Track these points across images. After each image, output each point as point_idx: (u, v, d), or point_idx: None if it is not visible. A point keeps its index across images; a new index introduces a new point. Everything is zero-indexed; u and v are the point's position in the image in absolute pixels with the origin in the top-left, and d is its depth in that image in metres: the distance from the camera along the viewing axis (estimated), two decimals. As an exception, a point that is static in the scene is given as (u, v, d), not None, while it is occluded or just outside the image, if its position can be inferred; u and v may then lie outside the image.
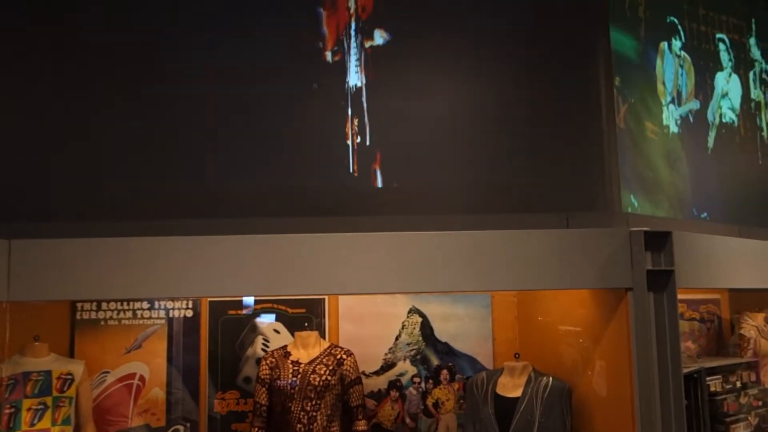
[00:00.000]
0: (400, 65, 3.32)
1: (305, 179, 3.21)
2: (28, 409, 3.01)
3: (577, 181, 3.21)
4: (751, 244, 3.42)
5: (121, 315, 3.51)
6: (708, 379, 3.29)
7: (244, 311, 3.58)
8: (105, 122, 3.21)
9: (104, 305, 3.49)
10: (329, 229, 2.69)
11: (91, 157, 3.20)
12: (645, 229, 2.69)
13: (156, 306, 3.53)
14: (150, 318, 3.53)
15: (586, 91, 3.31)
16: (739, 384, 3.49)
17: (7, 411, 2.95)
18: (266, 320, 3.59)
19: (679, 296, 2.67)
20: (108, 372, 3.46)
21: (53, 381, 3.09)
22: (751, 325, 4.15)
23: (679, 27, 4.11)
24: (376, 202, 3.19)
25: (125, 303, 3.51)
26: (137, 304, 3.52)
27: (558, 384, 3.02)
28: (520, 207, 3.18)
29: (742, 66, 4.52)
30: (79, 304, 3.48)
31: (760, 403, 3.56)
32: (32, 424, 3.00)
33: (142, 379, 3.49)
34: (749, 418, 3.44)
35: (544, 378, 3.05)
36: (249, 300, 3.59)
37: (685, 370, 2.97)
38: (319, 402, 3.11)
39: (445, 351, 3.66)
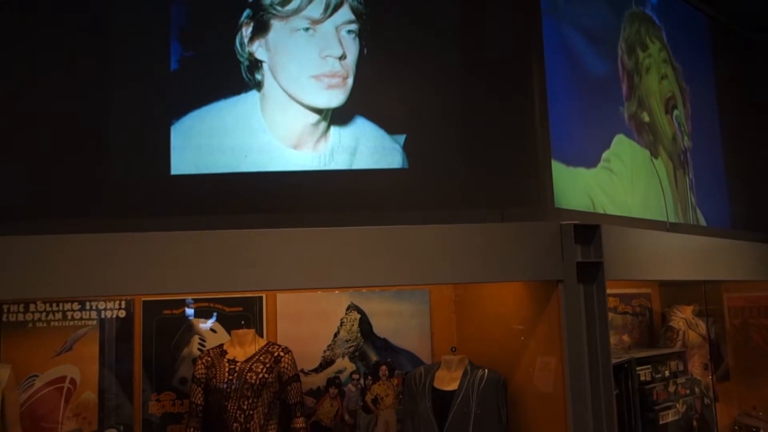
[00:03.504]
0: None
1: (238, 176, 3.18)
2: (-50, 415, 2.90)
3: (511, 176, 3.27)
4: (677, 239, 3.56)
5: (50, 317, 3.40)
6: (638, 368, 3.39)
7: (188, 317, 3.52)
8: (26, 116, 3.12)
9: (32, 307, 3.38)
10: (263, 226, 2.67)
11: (16, 150, 3.10)
12: (575, 222, 2.76)
13: (87, 307, 3.44)
14: (81, 319, 3.43)
15: (520, 87, 3.37)
16: (668, 373, 3.61)
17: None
18: (206, 326, 3.54)
19: (612, 291, 2.75)
20: (36, 375, 3.35)
21: (-23, 385, 2.98)
22: (680, 317, 4.31)
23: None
24: (313, 198, 3.18)
25: (54, 304, 3.40)
26: (67, 305, 3.42)
27: (493, 376, 3.07)
28: (455, 202, 3.22)
29: (670, 72, 4.67)
30: (5, 306, 3.36)
31: (688, 391, 3.68)
32: (-46, 431, 2.89)
33: (72, 382, 3.39)
34: (677, 405, 3.56)
35: (480, 370, 3.10)
36: (189, 310, 3.53)
37: (615, 360, 3.06)
38: (256, 400, 3.08)
39: (384, 347, 3.67)
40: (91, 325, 3.44)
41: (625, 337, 4.29)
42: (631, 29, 4.31)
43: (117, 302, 3.47)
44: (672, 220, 4.23)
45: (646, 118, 4.29)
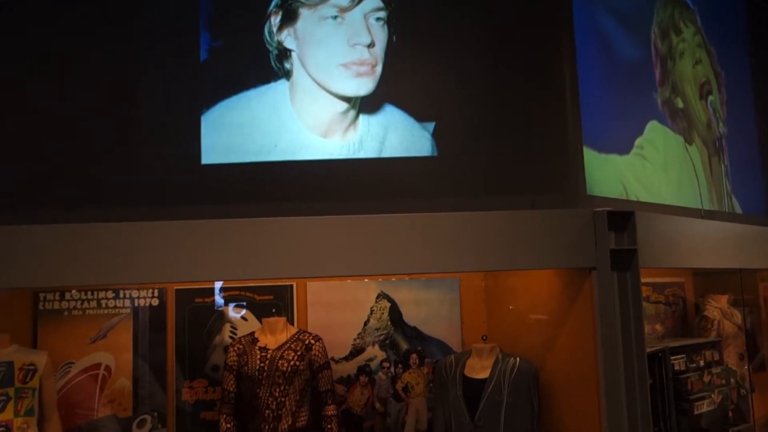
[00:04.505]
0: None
1: (268, 165, 3.19)
2: (-10, 401, 2.96)
3: (541, 163, 3.23)
4: (712, 226, 3.48)
5: (85, 305, 3.46)
6: (672, 358, 3.33)
7: (216, 308, 3.56)
8: (57, 106, 3.17)
9: (67, 295, 3.44)
10: (293, 214, 2.67)
11: (50, 144, 3.15)
12: (608, 209, 2.72)
13: (121, 295, 3.49)
14: (115, 307, 3.48)
15: (550, 72, 3.33)
16: (702, 363, 3.54)
17: (-31, 402, 2.90)
18: (237, 316, 3.57)
19: (645, 280, 2.70)
20: (72, 363, 3.41)
21: (15, 372, 3.04)
22: (715, 307, 4.23)
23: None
24: (342, 187, 3.18)
25: (89, 293, 3.46)
26: (101, 294, 3.47)
27: (525, 364, 3.05)
28: (484, 189, 3.19)
29: (705, 56, 4.57)
30: (41, 295, 3.42)
31: (724, 382, 3.62)
32: (-6, 415, 2.95)
33: (107, 369, 3.44)
34: (713, 395, 3.49)
35: (511, 359, 3.08)
36: (219, 300, 3.57)
37: (649, 350, 3.01)
38: (287, 387, 3.10)
39: (414, 335, 3.67)
40: (125, 314, 3.49)
41: (658, 327, 4.22)
42: (664, 13, 4.22)
43: (150, 291, 3.51)
44: (707, 207, 4.16)
45: (680, 104, 4.20)
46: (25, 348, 3.19)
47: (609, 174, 3.52)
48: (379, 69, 3.33)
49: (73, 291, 3.45)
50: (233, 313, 3.58)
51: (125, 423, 3.43)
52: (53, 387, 3.20)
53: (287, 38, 3.31)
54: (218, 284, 3.58)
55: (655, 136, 3.92)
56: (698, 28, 4.51)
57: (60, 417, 3.20)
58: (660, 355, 3.23)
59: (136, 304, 3.50)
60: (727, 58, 4.71)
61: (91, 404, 3.42)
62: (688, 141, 4.20)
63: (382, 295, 3.67)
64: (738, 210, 4.51)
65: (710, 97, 4.49)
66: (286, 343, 3.19)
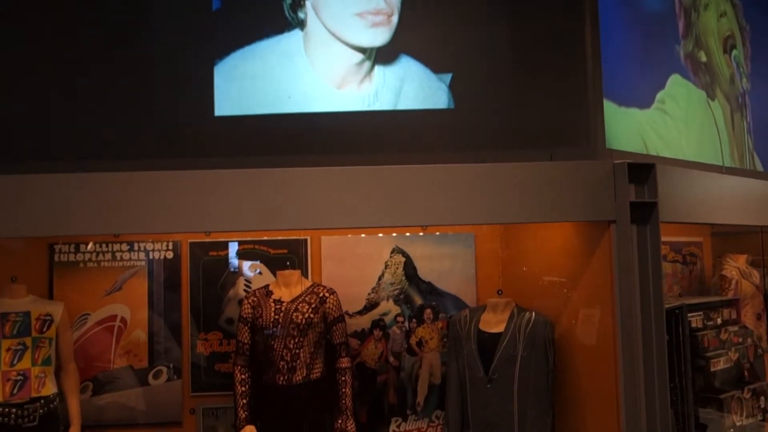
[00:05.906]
0: None
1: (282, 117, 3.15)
2: (8, 350, 2.99)
3: (560, 116, 3.17)
4: (734, 181, 3.42)
5: (100, 257, 3.47)
6: (689, 315, 3.30)
7: (233, 269, 3.56)
8: (77, 59, 3.12)
9: (82, 247, 3.44)
10: (307, 167, 2.64)
11: (64, 93, 3.11)
12: (629, 161, 2.66)
13: (135, 248, 3.49)
14: (130, 260, 3.49)
15: (571, 23, 3.24)
16: (720, 321, 3.52)
17: (-14, 351, 2.94)
18: (251, 274, 3.57)
19: (662, 238, 2.65)
20: (88, 314, 3.43)
21: (32, 322, 3.07)
22: (733, 266, 4.18)
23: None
24: (357, 139, 3.14)
25: (104, 245, 3.46)
26: (116, 246, 3.47)
27: (540, 319, 3.03)
28: (502, 142, 3.14)
29: (730, 9, 4.43)
30: (56, 246, 3.43)
31: (740, 340, 3.59)
32: (12, 365, 2.98)
33: (123, 321, 3.47)
34: (730, 353, 3.47)
35: (527, 313, 3.06)
36: (233, 257, 3.57)
37: (667, 306, 2.98)
38: (301, 340, 3.11)
39: (429, 290, 3.66)
40: (140, 266, 3.50)
41: (675, 287, 4.19)
42: (688, -38, 4.09)
43: (164, 243, 3.51)
44: (728, 164, 4.08)
45: (703, 58, 4.09)
46: (42, 299, 3.22)
47: (629, 128, 3.45)
48: (395, 19, 3.25)
49: (90, 244, 3.45)
50: (248, 271, 3.58)
51: (141, 374, 3.47)
52: (69, 338, 3.24)
53: (301, -14, 3.24)
54: (233, 247, 3.57)
55: (677, 91, 3.83)
56: (723, -22, 4.37)
57: (77, 368, 3.24)
58: (677, 311, 3.20)
59: (150, 257, 3.51)
60: (753, 11, 4.56)
61: (107, 356, 3.46)
62: (711, 96, 4.10)
63: (396, 250, 3.65)
64: (759, 167, 4.43)
65: (734, 52, 4.36)
66: (300, 296, 3.19)
